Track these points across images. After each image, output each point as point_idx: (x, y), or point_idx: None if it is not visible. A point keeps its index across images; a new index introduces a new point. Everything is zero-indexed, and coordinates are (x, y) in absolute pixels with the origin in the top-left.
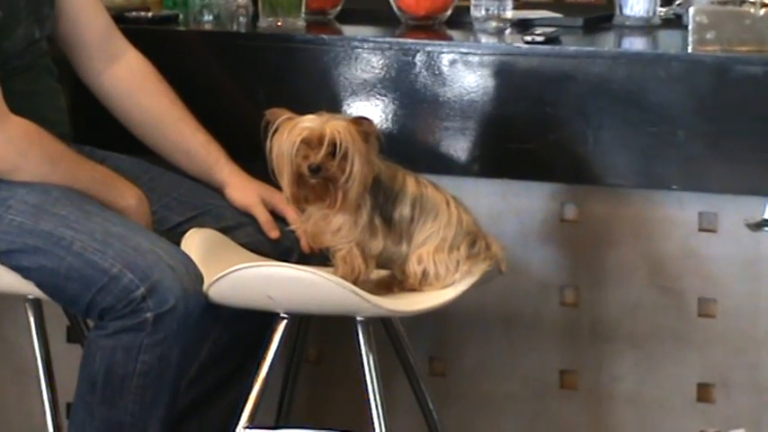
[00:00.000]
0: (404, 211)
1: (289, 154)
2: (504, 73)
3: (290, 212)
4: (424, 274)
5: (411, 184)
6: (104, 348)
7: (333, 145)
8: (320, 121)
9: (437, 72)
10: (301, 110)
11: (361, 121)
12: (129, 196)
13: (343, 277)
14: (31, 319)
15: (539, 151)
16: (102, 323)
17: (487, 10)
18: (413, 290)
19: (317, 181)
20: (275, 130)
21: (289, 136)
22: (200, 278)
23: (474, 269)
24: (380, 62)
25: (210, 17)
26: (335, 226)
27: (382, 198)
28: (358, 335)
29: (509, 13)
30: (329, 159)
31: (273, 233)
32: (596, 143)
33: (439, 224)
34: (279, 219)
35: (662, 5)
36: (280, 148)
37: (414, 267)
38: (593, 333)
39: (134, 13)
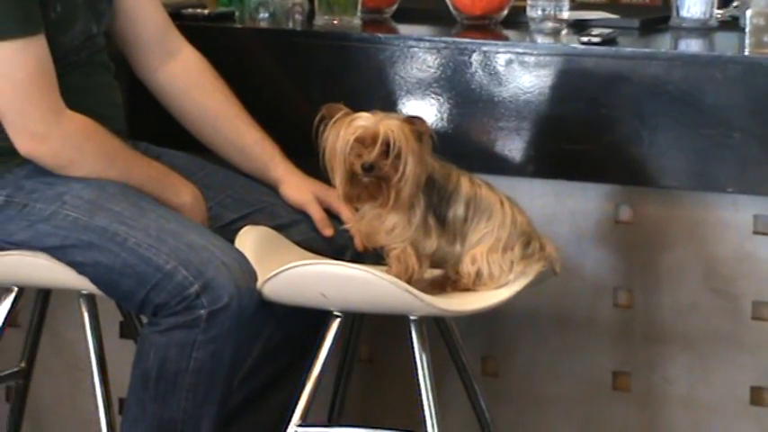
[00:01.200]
0: (458, 210)
1: (342, 152)
2: (560, 73)
3: (344, 211)
4: (478, 274)
5: (465, 183)
6: (158, 345)
7: (386, 144)
8: (374, 120)
9: (493, 72)
10: (355, 109)
11: (414, 121)
12: (184, 193)
13: (397, 276)
14: (85, 315)
15: (593, 152)
16: (156, 319)
17: (544, 10)
18: (466, 290)
19: (370, 180)
20: (331, 125)
21: (343, 134)
22: (253, 276)
23: (528, 270)
24: (436, 61)
25: (266, 15)
26: (389, 225)
27: (436, 198)
28: (411, 334)
29: (565, 14)
30: (382, 158)
31: (327, 231)
32: (651, 145)
33: (493, 224)
34: (333, 217)
35: (719, 7)
36: (333, 145)
37: (467, 267)
38: (646, 335)
39: (190, 10)
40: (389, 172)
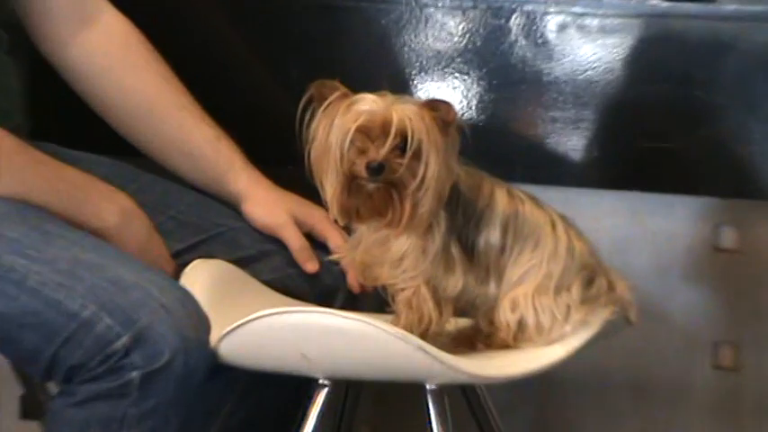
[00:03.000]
0: (492, 236)
1: (339, 146)
2: (635, 42)
3: (333, 235)
4: (521, 324)
5: (502, 198)
6: (73, 422)
7: (401, 137)
8: (384, 104)
9: (540, 41)
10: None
11: (438, 105)
12: (108, 212)
13: (408, 328)
14: None
15: (683, 152)
16: (70, 387)
17: None
18: (505, 346)
19: (377, 187)
20: (322, 111)
21: (340, 121)
22: (205, 322)
23: (591, 318)
24: (461, 27)
25: None
26: (397, 254)
27: (462, 218)
28: (428, 409)
29: None
30: (396, 156)
31: (310, 266)
32: (764, 141)
33: (541, 255)
34: (318, 245)
35: None
36: (326, 137)
37: (506, 315)
38: (758, 408)
39: None
40: (404, 176)
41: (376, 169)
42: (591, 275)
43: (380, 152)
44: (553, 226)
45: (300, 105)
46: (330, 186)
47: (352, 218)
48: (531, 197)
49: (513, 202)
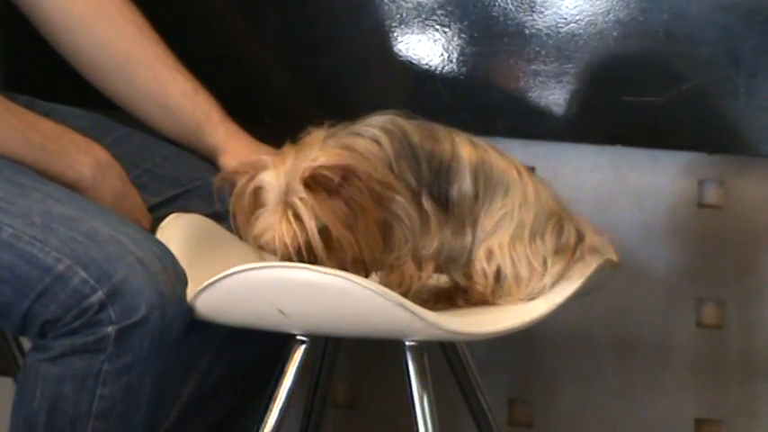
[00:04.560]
0: (464, 185)
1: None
2: None
3: None
4: (499, 276)
5: (465, 147)
6: (48, 377)
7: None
8: (274, 217)
9: None
10: (328, 51)
11: (317, 177)
12: (82, 163)
13: (389, 288)
14: None
15: (667, 107)
16: (45, 342)
17: None
18: (484, 302)
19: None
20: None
21: (245, 231)
22: (182, 277)
23: (570, 271)
24: None
25: None
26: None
27: (428, 172)
28: (407, 366)
29: None
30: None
31: None
32: (750, 96)
33: (512, 202)
34: None
35: None
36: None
37: (482, 265)
38: (742, 367)
39: None
40: (331, 251)
41: (300, 260)
42: (560, 222)
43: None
44: (519, 173)
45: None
46: None
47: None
48: (492, 146)
49: (477, 150)
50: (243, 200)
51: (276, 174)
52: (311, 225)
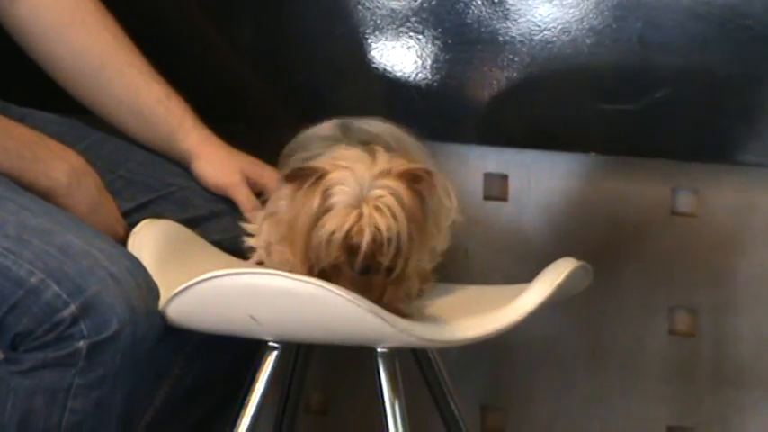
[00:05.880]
0: None
1: (323, 249)
2: (592, 3)
3: None
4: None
5: None
6: (19, 390)
7: (382, 241)
8: (359, 190)
9: (497, 0)
10: (302, 57)
11: (417, 177)
12: (57, 170)
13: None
14: None
15: (640, 114)
16: (16, 355)
17: None
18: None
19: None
20: (295, 190)
21: (324, 226)
22: (154, 292)
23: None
24: None
25: None
26: None
27: None
28: (379, 373)
29: None
30: (378, 251)
31: None
32: (724, 103)
33: None
34: None
35: None
36: (308, 235)
37: None
38: (714, 375)
39: None
40: (387, 267)
41: (363, 270)
42: None
43: (366, 260)
44: None
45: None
46: (302, 264)
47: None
48: None
49: None
50: (312, 199)
51: (350, 173)
52: (403, 217)
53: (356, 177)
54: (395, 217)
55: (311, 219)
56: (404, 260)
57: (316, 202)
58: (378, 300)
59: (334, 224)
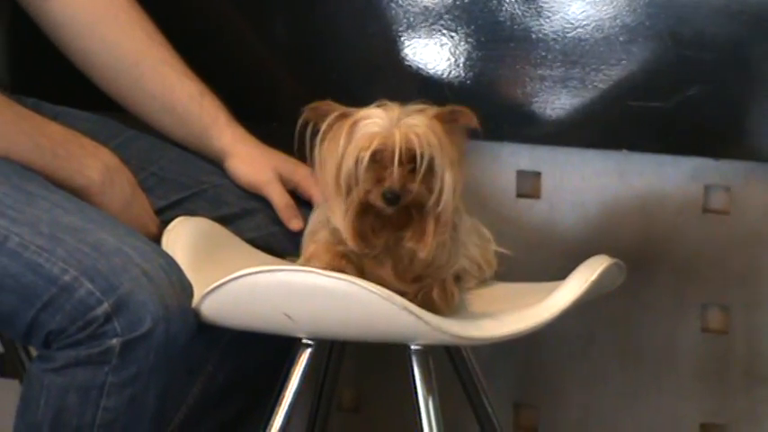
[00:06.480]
0: None
1: (351, 175)
2: (625, 0)
3: (317, 193)
4: None
5: None
6: (51, 388)
7: (412, 158)
8: (390, 122)
9: None
10: (335, 55)
11: (455, 116)
12: (91, 168)
13: (436, 308)
14: None
15: (673, 112)
16: (49, 352)
17: None
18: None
19: (395, 209)
20: (323, 136)
21: (350, 149)
22: (188, 290)
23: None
24: None
25: None
26: (426, 258)
27: None
28: (413, 370)
29: None
30: (410, 178)
31: (295, 223)
32: (756, 101)
33: None
34: (302, 203)
35: None
36: (336, 162)
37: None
38: (747, 373)
39: None
40: (421, 195)
41: (393, 199)
42: None
43: (395, 180)
44: None
45: (297, 129)
46: (341, 212)
47: (368, 239)
48: None
49: None
50: (339, 136)
51: (380, 110)
52: (436, 143)
53: (387, 112)
54: (428, 141)
55: (339, 154)
56: (437, 195)
57: (342, 138)
58: (417, 237)
59: (362, 143)
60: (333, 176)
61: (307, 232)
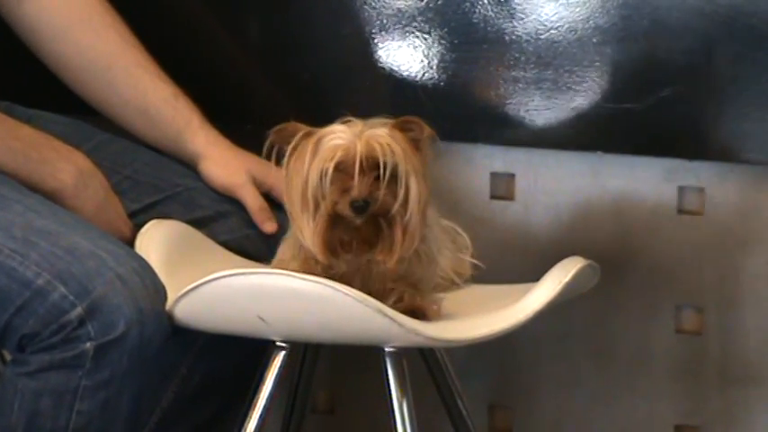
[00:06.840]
0: None
1: (318, 187)
2: (598, 2)
3: None
4: None
5: None
6: (25, 392)
7: (378, 167)
8: (353, 134)
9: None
10: (308, 57)
11: (409, 125)
12: (64, 172)
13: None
14: None
15: (646, 113)
16: (23, 356)
17: None
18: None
19: (363, 219)
20: (289, 157)
21: (315, 161)
22: (161, 293)
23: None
24: None
25: None
26: (397, 271)
27: None
28: (387, 373)
29: None
30: (375, 186)
31: (269, 226)
32: (730, 102)
33: None
34: (276, 206)
35: None
36: (302, 179)
37: None
38: (721, 374)
39: None
40: (388, 203)
41: (361, 207)
42: None
43: (361, 189)
44: None
45: (264, 152)
46: (310, 227)
47: (337, 253)
48: None
49: None
50: (304, 154)
51: (343, 126)
52: (399, 150)
53: (350, 128)
54: (391, 149)
55: (305, 170)
56: (403, 203)
57: (308, 155)
58: (386, 249)
59: (326, 155)
60: (300, 193)
61: (274, 262)
